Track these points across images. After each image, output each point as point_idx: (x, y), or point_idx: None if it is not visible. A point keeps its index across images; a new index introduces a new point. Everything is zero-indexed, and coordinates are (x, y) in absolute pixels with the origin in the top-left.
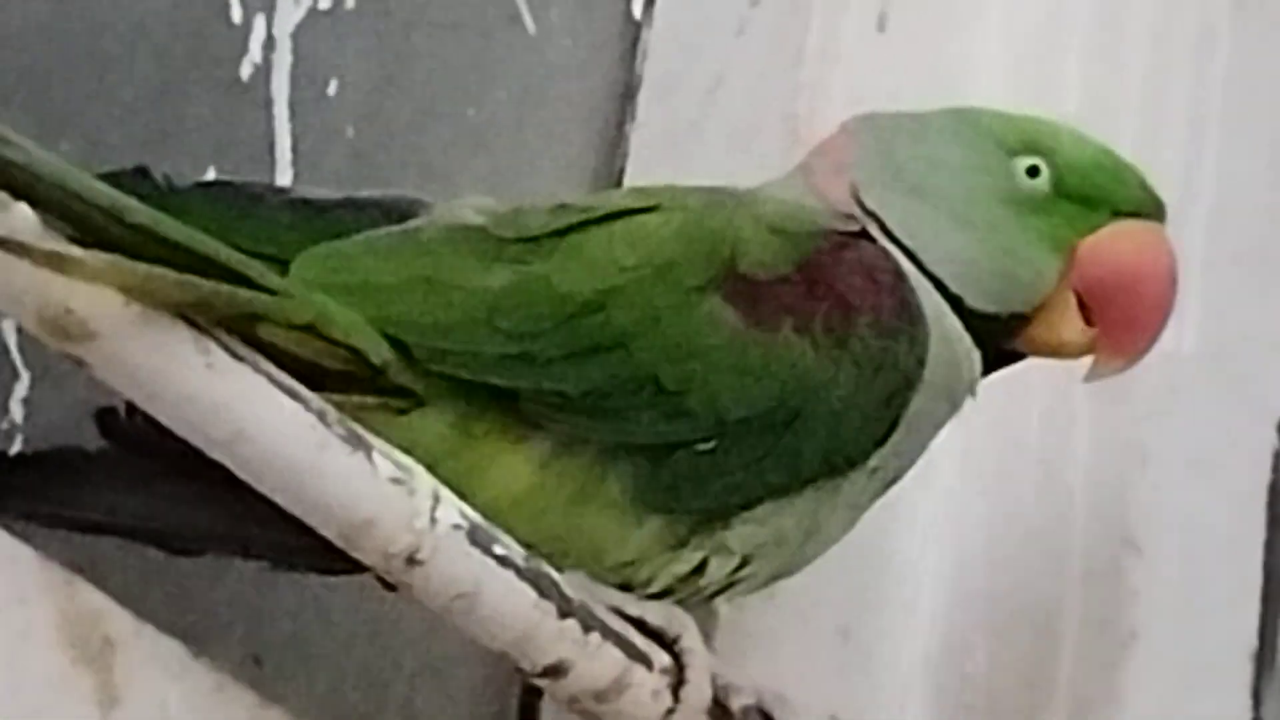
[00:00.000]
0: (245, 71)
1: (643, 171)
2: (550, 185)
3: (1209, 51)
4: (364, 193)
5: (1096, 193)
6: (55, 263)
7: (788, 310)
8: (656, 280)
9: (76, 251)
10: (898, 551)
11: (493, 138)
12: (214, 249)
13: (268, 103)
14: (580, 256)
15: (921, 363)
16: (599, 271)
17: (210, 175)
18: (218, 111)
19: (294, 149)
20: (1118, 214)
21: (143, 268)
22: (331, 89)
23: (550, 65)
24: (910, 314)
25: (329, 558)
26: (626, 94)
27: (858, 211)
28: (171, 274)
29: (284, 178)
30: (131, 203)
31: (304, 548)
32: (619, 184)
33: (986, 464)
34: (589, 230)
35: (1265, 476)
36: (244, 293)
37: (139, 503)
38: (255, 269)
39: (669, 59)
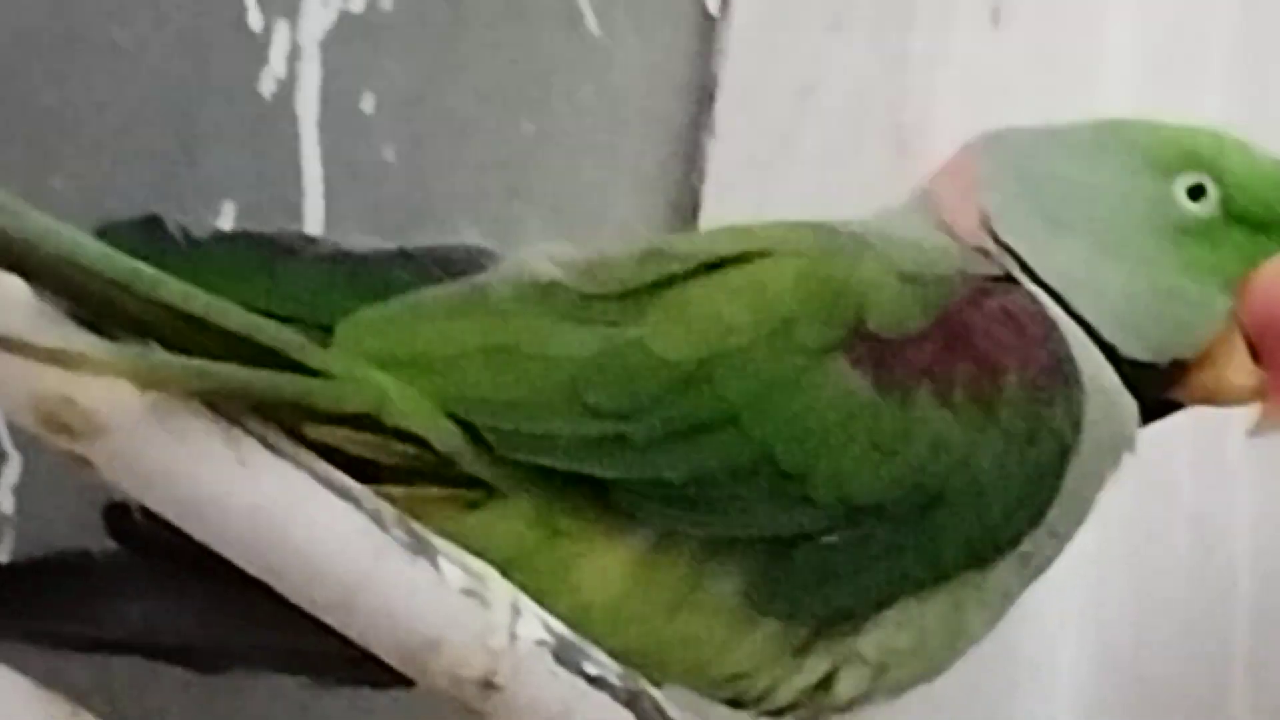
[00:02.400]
0: (267, 87)
1: (723, 192)
2: (617, 208)
3: None
4: (416, 243)
5: (1270, 215)
6: (56, 359)
7: (925, 373)
8: (772, 343)
9: (80, 345)
10: (1028, 643)
11: (551, 155)
12: (247, 323)
13: (293, 123)
14: (681, 316)
15: (1078, 426)
16: (704, 334)
17: (228, 209)
18: (236, 134)
19: (324, 177)
20: None
21: (160, 360)
22: (367, 105)
23: (616, 70)
24: (1064, 371)
25: (385, 670)
26: (703, 101)
27: (991, 246)
28: (195, 364)
29: (313, 209)
30: (143, 271)
31: (354, 659)
32: (695, 207)
33: (1131, 537)
34: (689, 283)
35: None
36: (286, 379)
37: (157, 614)
38: (297, 345)
39: (752, 60)
